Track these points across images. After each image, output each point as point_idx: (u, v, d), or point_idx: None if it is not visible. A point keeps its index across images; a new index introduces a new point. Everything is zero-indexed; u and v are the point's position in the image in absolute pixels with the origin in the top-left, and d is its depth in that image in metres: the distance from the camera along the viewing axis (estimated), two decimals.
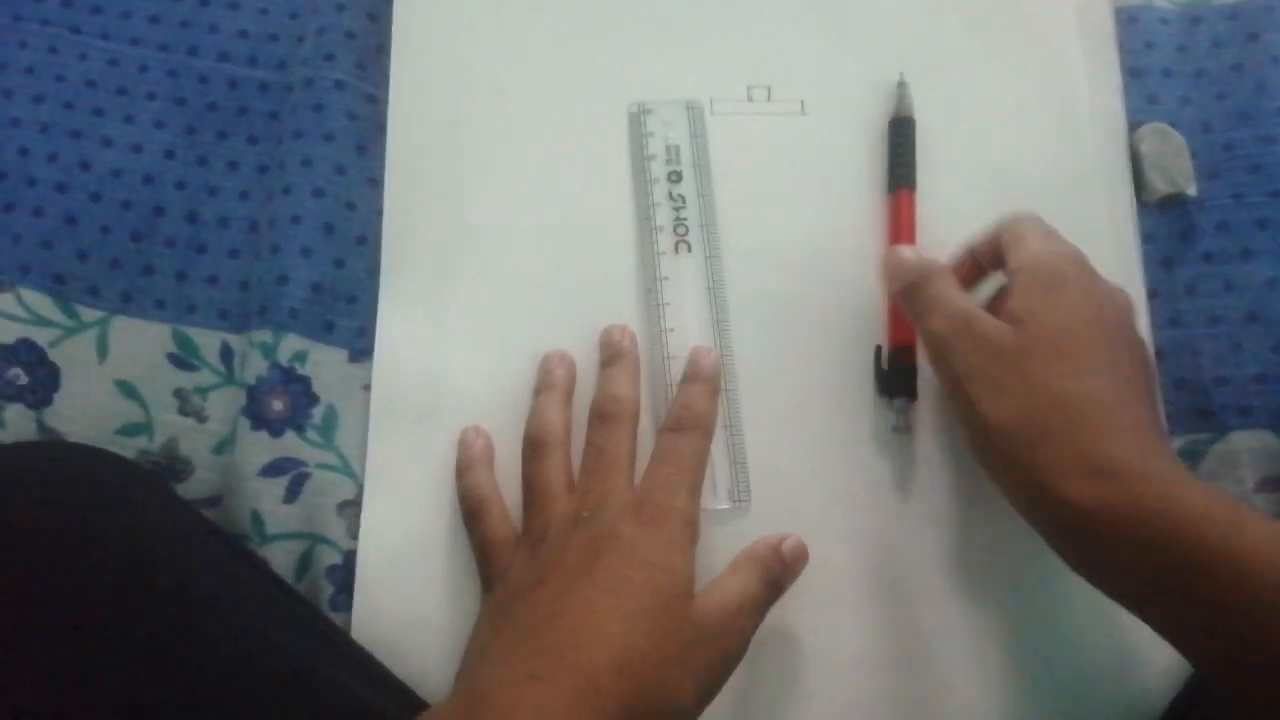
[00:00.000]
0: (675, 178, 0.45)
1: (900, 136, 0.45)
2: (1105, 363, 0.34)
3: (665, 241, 0.44)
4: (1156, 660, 0.39)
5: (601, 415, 0.38)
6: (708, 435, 0.38)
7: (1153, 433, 0.33)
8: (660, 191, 0.45)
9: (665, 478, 0.35)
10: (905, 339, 0.42)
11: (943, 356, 0.37)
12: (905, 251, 0.41)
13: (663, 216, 0.44)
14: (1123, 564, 0.31)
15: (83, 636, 0.32)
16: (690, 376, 0.39)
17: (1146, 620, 0.32)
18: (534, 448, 0.39)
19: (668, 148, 0.45)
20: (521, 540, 0.37)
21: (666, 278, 0.43)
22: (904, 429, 0.42)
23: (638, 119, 0.46)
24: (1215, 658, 0.30)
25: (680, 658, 0.31)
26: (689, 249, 0.44)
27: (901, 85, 0.46)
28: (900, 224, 0.44)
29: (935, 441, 0.42)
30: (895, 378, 0.42)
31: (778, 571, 0.36)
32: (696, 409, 0.38)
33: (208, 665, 0.33)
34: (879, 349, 0.43)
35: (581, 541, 0.34)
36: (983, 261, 0.40)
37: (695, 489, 0.36)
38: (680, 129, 0.46)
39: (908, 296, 0.39)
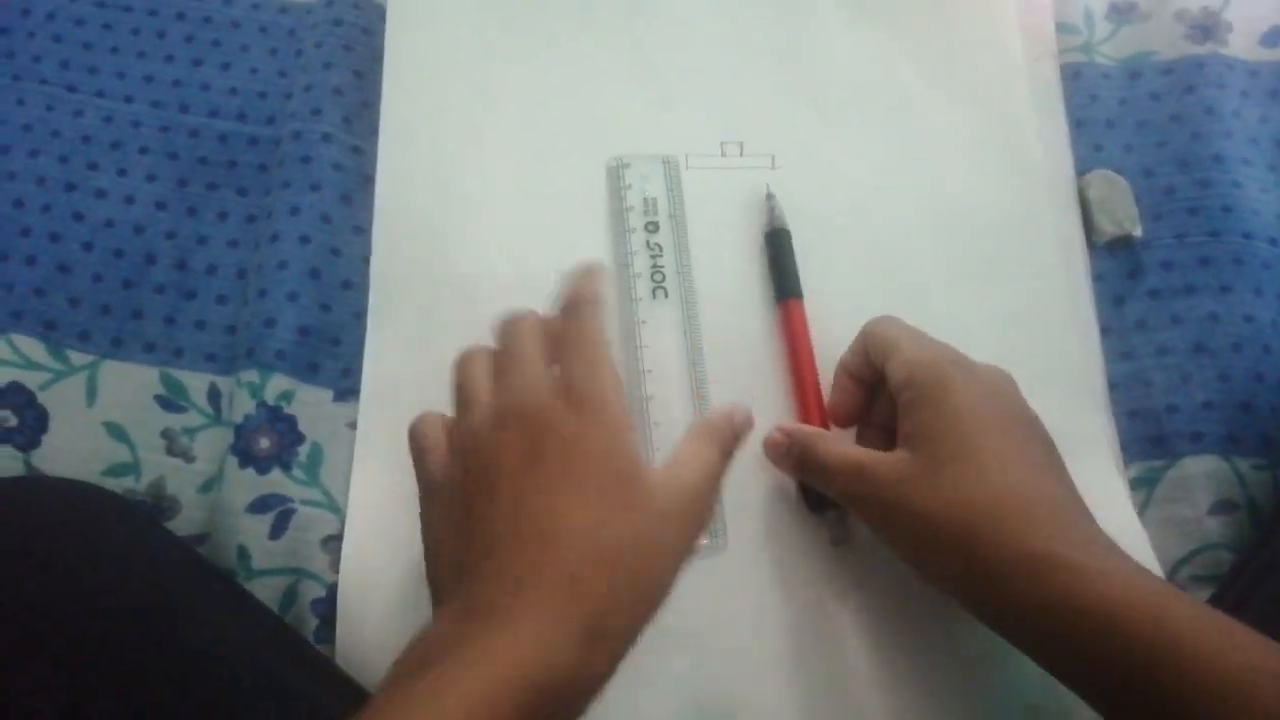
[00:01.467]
0: (652, 228, 0.47)
1: (776, 248, 0.46)
2: (1010, 456, 0.35)
3: (643, 287, 0.46)
4: None
5: (503, 323, 0.36)
6: (597, 312, 0.35)
7: (1072, 512, 0.34)
8: (638, 240, 0.47)
9: (580, 364, 0.33)
10: None
11: (859, 512, 0.38)
12: (775, 435, 0.41)
13: (640, 264, 0.46)
14: (1060, 651, 0.32)
15: (68, 662, 0.33)
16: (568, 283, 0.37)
17: (1089, 701, 0.33)
18: (462, 357, 0.36)
19: (645, 200, 0.48)
20: (452, 443, 0.34)
21: (644, 321, 0.45)
22: (842, 540, 0.41)
23: (616, 173, 0.48)
24: None
25: (651, 533, 0.31)
26: (665, 295, 0.46)
27: (770, 198, 0.47)
28: (794, 334, 0.44)
29: (871, 546, 0.41)
30: (820, 491, 0.41)
31: (731, 442, 0.36)
32: (578, 293, 0.35)
33: (194, 689, 0.34)
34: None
35: (515, 441, 0.32)
36: (860, 377, 0.40)
37: (612, 368, 0.34)
38: (657, 182, 0.48)
39: (802, 471, 0.40)
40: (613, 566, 0.30)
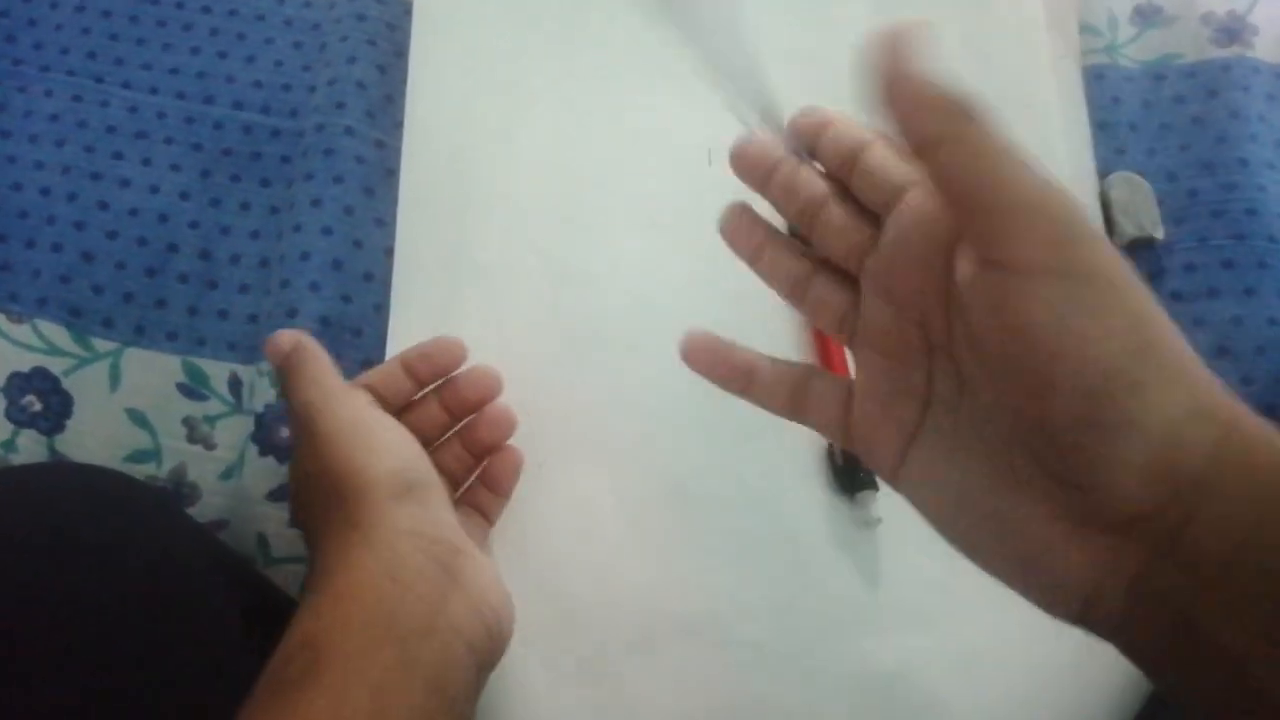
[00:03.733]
0: None
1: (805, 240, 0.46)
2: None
3: None
4: None
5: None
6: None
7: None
8: None
9: None
10: None
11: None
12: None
13: None
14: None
15: (89, 644, 0.33)
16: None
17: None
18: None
19: None
20: None
21: None
22: (874, 523, 0.41)
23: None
24: None
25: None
26: None
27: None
28: (825, 342, 0.44)
29: (901, 527, 0.41)
30: (854, 472, 0.41)
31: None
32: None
33: (213, 674, 0.34)
34: (830, 447, 0.43)
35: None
36: None
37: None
38: None
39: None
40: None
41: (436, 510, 0.33)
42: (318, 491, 0.33)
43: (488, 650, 0.32)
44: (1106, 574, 0.22)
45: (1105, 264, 0.21)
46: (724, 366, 0.30)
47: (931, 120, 0.23)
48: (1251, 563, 0.20)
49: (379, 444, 0.34)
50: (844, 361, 0.43)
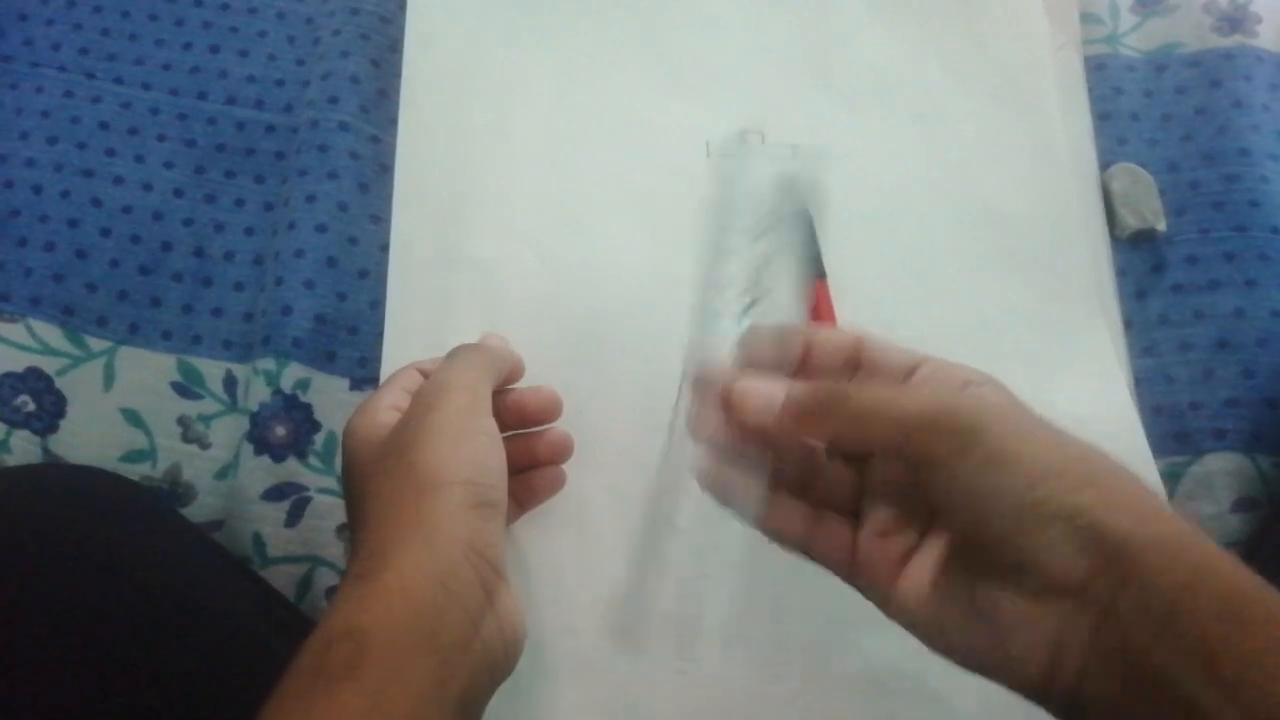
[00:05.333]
0: None
1: (799, 229, 0.45)
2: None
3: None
4: None
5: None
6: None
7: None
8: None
9: None
10: None
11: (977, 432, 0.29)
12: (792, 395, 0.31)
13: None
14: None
15: (85, 645, 0.33)
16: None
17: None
18: None
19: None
20: None
21: None
22: None
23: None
24: None
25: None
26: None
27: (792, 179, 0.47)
28: (820, 314, 0.44)
29: None
30: None
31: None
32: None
33: (208, 674, 0.34)
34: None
35: None
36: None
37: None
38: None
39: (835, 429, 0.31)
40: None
41: (495, 532, 0.32)
42: (393, 470, 0.31)
43: (503, 672, 0.31)
44: (1066, 634, 0.26)
45: (991, 435, 0.27)
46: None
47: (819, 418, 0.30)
48: (1187, 613, 0.24)
49: (470, 452, 0.32)
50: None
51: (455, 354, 0.36)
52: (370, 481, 0.32)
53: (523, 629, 0.32)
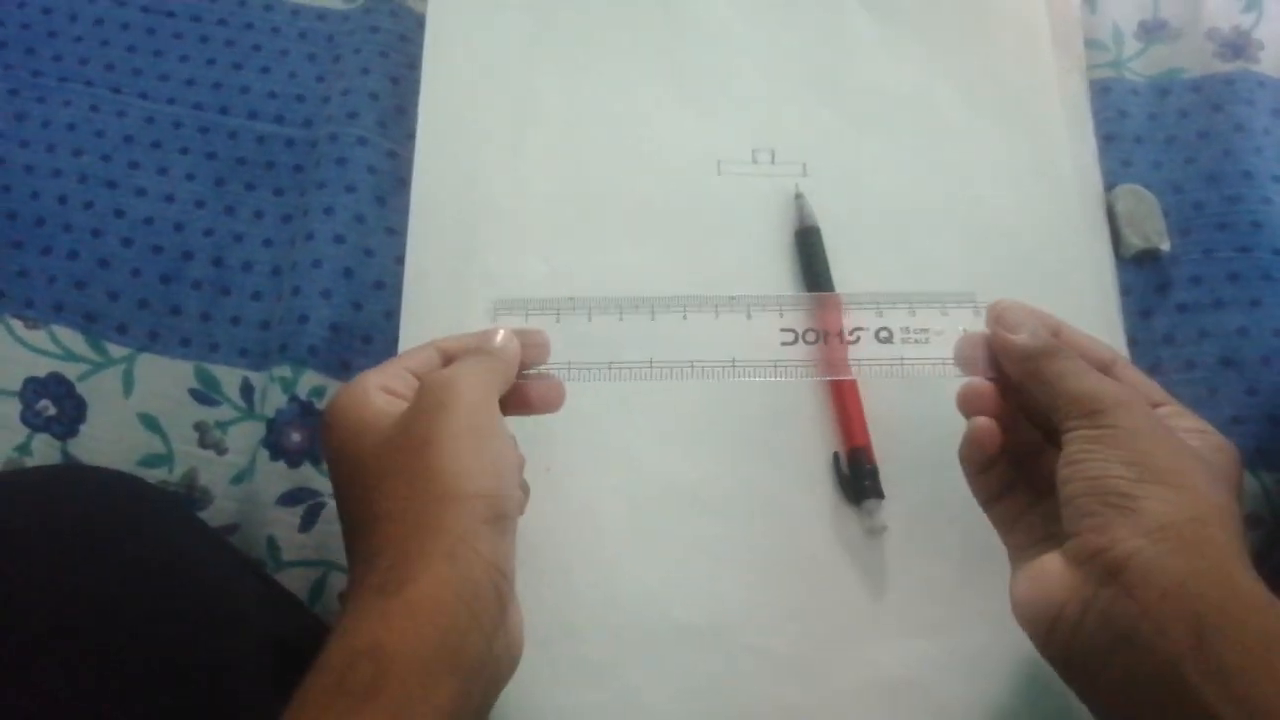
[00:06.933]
0: None
1: (808, 246, 0.47)
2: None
3: None
4: None
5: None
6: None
7: None
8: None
9: None
10: (860, 439, 0.42)
11: (1108, 414, 0.33)
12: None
13: None
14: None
15: (101, 647, 0.33)
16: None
17: None
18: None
19: None
20: None
21: None
22: (880, 530, 0.42)
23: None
24: None
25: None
26: None
27: (800, 197, 0.48)
28: (829, 330, 0.44)
29: (907, 535, 0.42)
30: (860, 480, 0.42)
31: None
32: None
33: (223, 677, 0.34)
34: (836, 455, 0.43)
35: None
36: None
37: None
38: None
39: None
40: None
41: (510, 545, 0.32)
42: (407, 472, 0.30)
43: (504, 685, 0.31)
44: (1071, 594, 0.30)
45: (1126, 422, 0.32)
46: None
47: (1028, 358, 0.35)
48: (1180, 593, 0.28)
49: (491, 458, 0.32)
50: (846, 367, 0.44)
51: (472, 357, 0.35)
52: (378, 478, 0.31)
53: (522, 641, 0.32)
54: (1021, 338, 0.35)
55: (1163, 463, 0.31)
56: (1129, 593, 0.29)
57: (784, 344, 0.37)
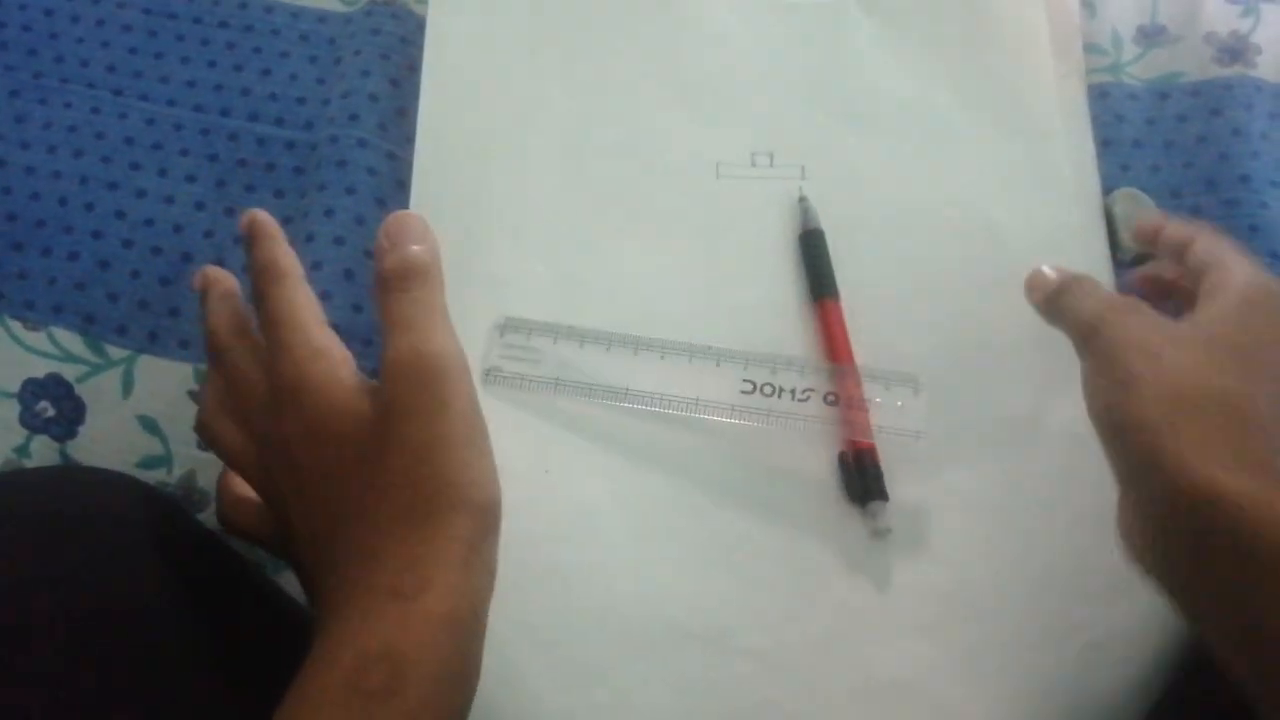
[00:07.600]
0: None
1: (812, 249, 0.47)
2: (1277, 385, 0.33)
3: None
4: None
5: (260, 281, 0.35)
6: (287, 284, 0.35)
7: None
8: None
9: (274, 353, 0.33)
10: (864, 440, 0.42)
11: (1097, 332, 0.35)
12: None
13: None
14: (1223, 563, 0.29)
15: (98, 647, 0.33)
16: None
17: (1203, 627, 0.30)
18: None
19: None
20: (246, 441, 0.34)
21: None
22: (884, 532, 0.41)
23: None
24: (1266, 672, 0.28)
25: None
26: None
27: (803, 201, 0.48)
28: (831, 334, 0.45)
29: (911, 537, 0.42)
30: (865, 481, 0.42)
31: None
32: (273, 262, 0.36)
33: (220, 679, 0.34)
34: (842, 455, 0.43)
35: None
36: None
37: (305, 343, 0.34)
38: None
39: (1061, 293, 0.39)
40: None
41: (497, 549, 0.32)
42: (410, 473, 0.30)
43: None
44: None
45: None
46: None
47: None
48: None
49: (490, 466, 0.31)
50: (850, 355, 0.44)
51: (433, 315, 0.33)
52: (372, 474, 0.31)
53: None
54: (1034, 297, 0.41)
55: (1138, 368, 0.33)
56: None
57: (743, 392, 0.43)
